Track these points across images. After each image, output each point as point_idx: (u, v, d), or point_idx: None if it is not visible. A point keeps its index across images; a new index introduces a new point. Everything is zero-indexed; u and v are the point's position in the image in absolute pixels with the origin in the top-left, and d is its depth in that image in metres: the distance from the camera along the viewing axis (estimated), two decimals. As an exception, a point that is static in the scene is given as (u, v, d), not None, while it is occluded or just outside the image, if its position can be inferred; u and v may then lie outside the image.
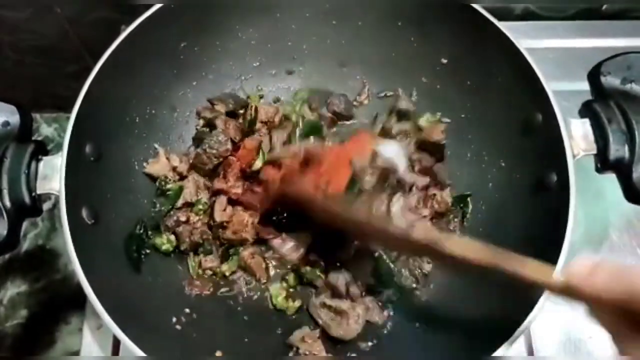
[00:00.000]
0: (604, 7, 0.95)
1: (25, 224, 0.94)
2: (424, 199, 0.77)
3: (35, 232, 0.98)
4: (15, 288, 0.92)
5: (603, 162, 0.64)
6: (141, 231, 0.73)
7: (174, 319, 0.69)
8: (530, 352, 0.74)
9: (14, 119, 0.67)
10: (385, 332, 0.72)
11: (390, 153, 0.71)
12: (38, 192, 0.64)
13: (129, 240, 0.71)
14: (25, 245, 0.96)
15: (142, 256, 0.72)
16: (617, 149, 0.63)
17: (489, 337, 0.59)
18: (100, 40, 0.68)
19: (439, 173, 0.78)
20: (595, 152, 0.65)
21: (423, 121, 0.80)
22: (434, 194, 0.77)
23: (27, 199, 0.63)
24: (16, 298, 0.92)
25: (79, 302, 0.78)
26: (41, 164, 0.65)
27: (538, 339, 0.74)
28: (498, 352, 0.57)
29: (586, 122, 0.66)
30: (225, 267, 0.75)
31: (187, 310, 0.70)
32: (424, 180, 0.77)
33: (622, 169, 0.63)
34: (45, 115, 0.70)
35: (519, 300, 0.59)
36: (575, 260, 0.41)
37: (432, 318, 0.72)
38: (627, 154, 0.63)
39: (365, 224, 0.63)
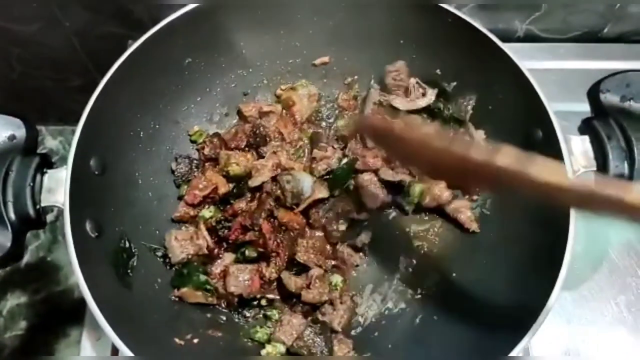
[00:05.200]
0: (605, 30, 0.96)
1: (27, 235, 0.95)
2: None
3: (37, 244, 0.98)
4: (15, 299, 0.92)
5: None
6: (126, 245, 0.71)
7: (174, 333, 0.69)
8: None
9: (20, 132, 0.68)
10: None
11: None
12: (42, 204, 0.64)
13: (114, 254, 0.69)
14: (26, 257, 0.96)
15: (129, 271, 0.70)
16: (617, 165, 0.64)
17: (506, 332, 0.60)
18: (107, 55, 0.69)
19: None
20: (595, 168, 0.65)
21: None
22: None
23: (31, 212, 0.63)
24: (16, 309, 0.91)
25: (78, 314, 0.78)
26: (46, 177, 0.65)
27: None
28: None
29: (586, 139, 0.66)
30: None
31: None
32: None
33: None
34: (51, 127, 0.70)
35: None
36: None
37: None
38: (626, 170, 0.64)
39: (445, 152, 0.53)
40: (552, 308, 0.58)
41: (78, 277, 0.58)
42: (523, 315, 0.59)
